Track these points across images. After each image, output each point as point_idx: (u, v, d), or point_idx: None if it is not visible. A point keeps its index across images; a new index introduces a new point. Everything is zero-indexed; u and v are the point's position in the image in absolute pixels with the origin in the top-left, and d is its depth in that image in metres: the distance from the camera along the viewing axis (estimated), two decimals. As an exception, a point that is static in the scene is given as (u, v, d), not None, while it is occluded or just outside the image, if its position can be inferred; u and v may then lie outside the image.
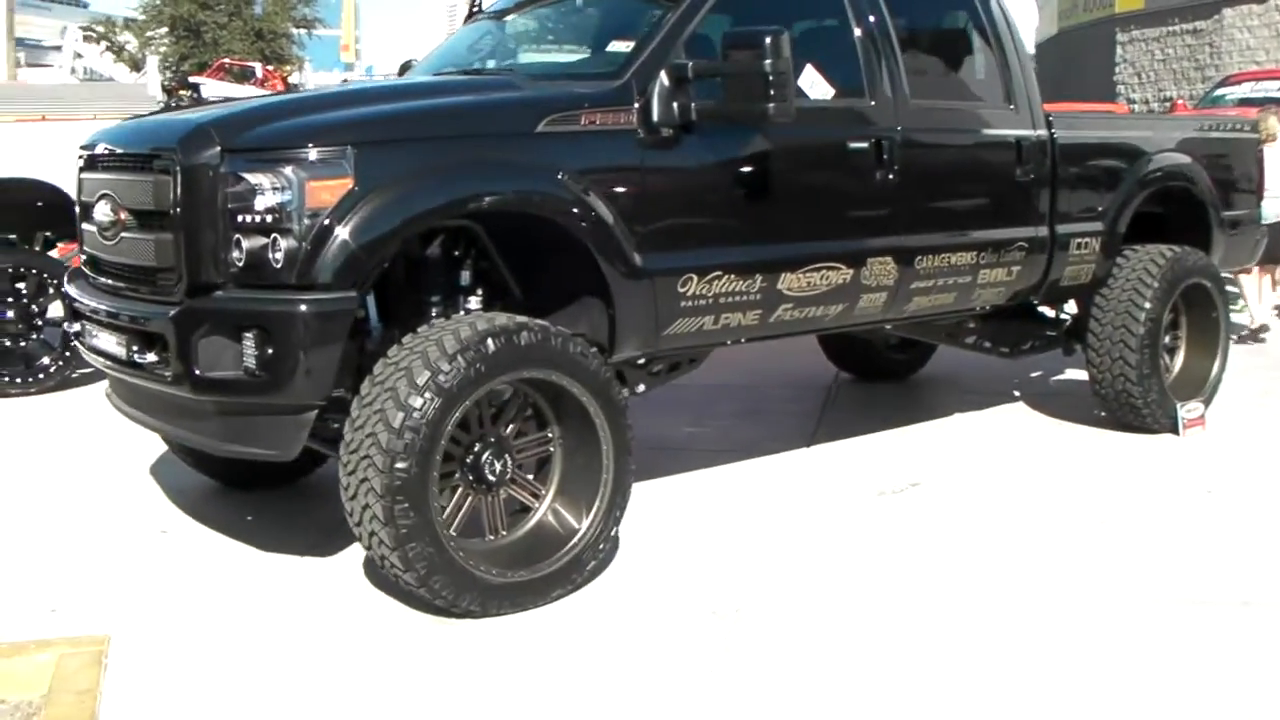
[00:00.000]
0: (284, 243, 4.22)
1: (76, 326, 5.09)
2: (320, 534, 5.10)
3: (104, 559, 5.10)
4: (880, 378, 8.25)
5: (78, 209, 5.10)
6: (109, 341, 4.72)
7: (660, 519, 5.44)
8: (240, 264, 4.27)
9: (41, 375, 8.04)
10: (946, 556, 4.98)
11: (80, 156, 5.13)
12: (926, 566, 4.88)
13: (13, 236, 8.56)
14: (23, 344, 8.10)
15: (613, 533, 4.73)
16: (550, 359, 4.46)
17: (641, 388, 5.41)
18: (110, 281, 4.83)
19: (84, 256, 5.13)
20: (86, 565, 5.04)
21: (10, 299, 8.05)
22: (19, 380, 8.06)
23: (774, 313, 5.39)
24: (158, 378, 4.46)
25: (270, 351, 4.21)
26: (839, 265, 5.50)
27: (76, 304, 5.00)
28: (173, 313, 4.35)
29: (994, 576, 4.77)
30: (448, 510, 4.47)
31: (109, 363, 4.78)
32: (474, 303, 4.82)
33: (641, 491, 5.58)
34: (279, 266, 4.23)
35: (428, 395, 4.16)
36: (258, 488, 5.82)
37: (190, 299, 4.34)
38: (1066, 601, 4.53)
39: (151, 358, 4.46)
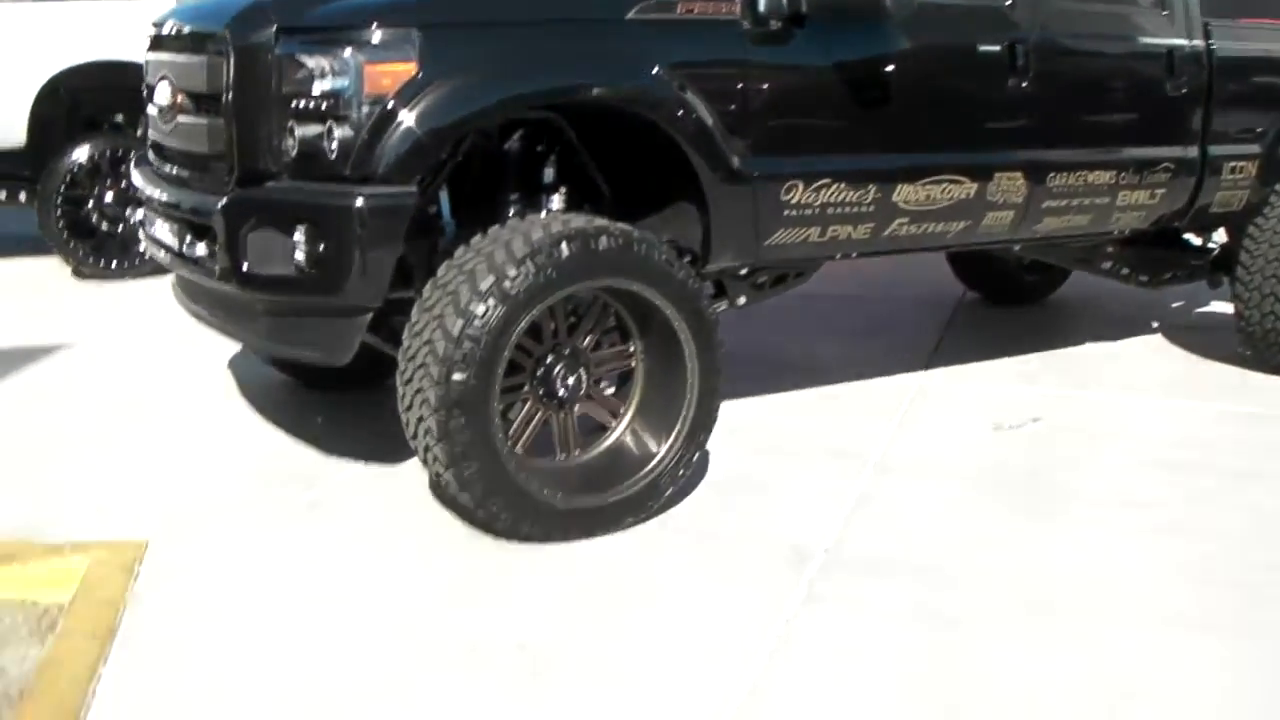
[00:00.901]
0: (340, 131, 3.88)
1: (139, 214, 4.82)
2: (390, 442, 4.77)
3: (162, 458, 4.88)
4: (1010, 300, 7.68)
5: (144, 91, 4.80)
6: (165, 231, 4.45)
7: (755, 442, 5.05)
8: (294, 153, 3.96)
9: (138, 261, 7.88)
10: (1055, 506, 4.52)
11: (149, 36, 4.83)
12: (1031, 516, 4.43)
13: (119, 119, 8.38)
14: (120, 228, 7.95)
15: (694, 458, 4.35)
16: (631, 267, 4.07)
17: (743, 300, 5.04)
18: (169, 169, 4.55)
19: (149, 141, 4.84)
20: (142, 463, 4.82)
21: (110, 182, 7.91)
22: (115, 264, 7.93)
23: (888, 227, 4.94)
24: (207, 272, 4.17)
25: (322, 248, 3.89)
26: (962, 179, 5.02)
27: (138, 191, 4.73)
28: (221, 203, 4.04)
29: (1096, 536, 4.31)
30: (514, 426, 4.14)
31: (166, 254, 4.50)
32: (556, 202, 4.44)
33: (742, 409, 5.28)
34: (334, 157, 3.90)
35: (491, 302, 3.81)
36: (335, 389, 5.53)
37: (241, 189, 4.03)
38: (1173, 571, 4.07)
39: (201, 250, 4.17)
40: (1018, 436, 5.22)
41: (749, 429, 5.19)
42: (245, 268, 4.01)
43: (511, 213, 4.41)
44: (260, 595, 3.77)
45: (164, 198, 4.42)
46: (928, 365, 6.25)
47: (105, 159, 7.93)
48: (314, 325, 4.09)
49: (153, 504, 4.42)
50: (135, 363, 6.13)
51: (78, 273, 8.03)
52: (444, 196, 4.38)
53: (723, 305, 4.96)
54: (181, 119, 4.37)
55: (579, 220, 4.02)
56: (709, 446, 4.50)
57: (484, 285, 3.81)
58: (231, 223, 4.00)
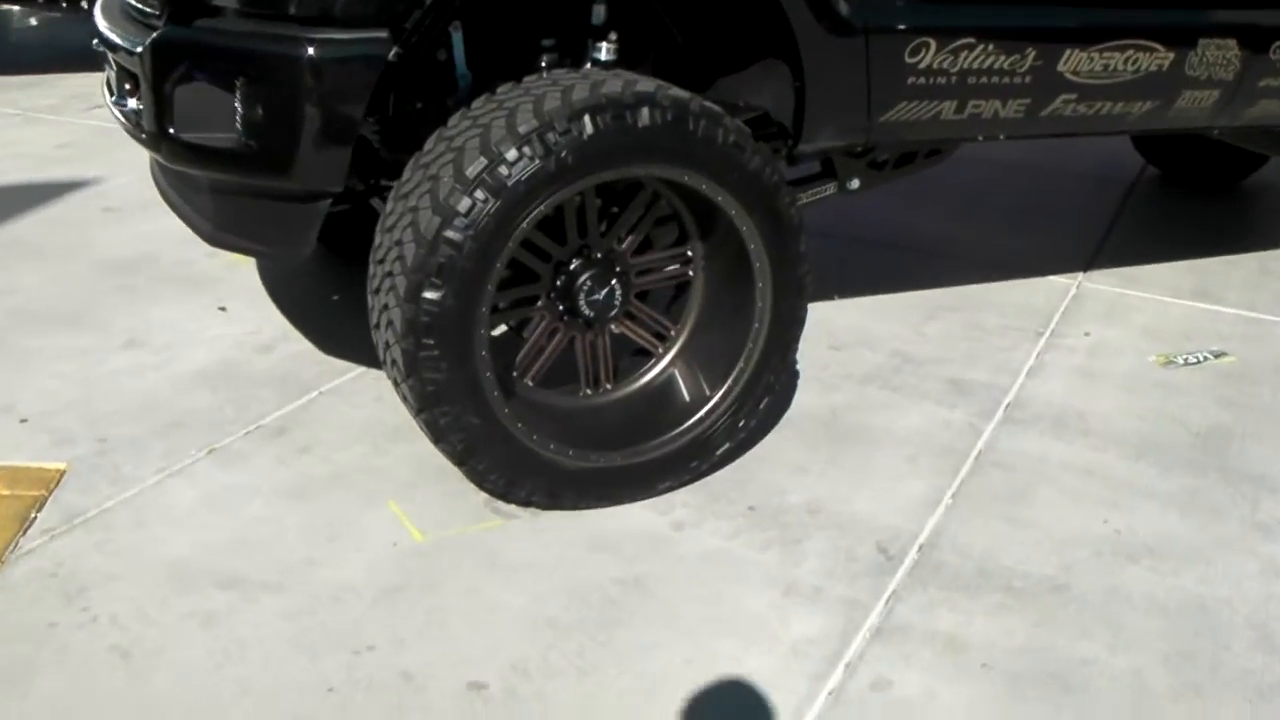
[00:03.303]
0: (287, -49, 2.84)
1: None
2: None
3: (129, 347, 4.04)
4: (1199, 181, 6.29)
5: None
6: (112, 77, 3.47)
7: (856, 366, 4.02)
8: None
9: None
10: (1235, 496, 3.40)
11: None
12: (1199, 512, 3.33)
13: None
14: None
15: (761, 405, 3.31)
16: (682, 151, 2.98)
17: (856, 183, 3.92)
18: None
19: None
20: (102, 354, 3.99)
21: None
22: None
23: (1049, 104, 3.77)
24: (137, 132, 3.20)
25: (260, 112, 2.88)
26: (1154, 45, 3.79)
27: (98, 28, 3.74)
28: (145, 42, 3.04)
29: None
30: (522, 352, 3.15)
31: (109, 105, 3.53)
32: (605, 52, 3.34)
33: (847, 316, 4.29)
34: None
35: (479, 195, 2.77)
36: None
37: (171, 26, 3.02)
38: None
39: (133, 104, 3.19)
40: (1192, 377, 4.07)
41: (851, 345, 4.15)
42: (171, 130, 3.02)
43: (544, 64, 3.35)
44: (159, 567, 2.91)
45: (110, 34, 3.42)
46: (1089, 264, 5.06)
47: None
48: (260, 212, 3.10)
49: (93, 413, 3.59)
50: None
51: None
52: (458, 40, 3.31)
53: (828, 188, 3.89)
54: (124, -76, 3.37)
55: (613, 83, 2.92)
56: (799, 364, 3.62)
57: (472, 170, 2.78)
58: (156, 69, 3.01)
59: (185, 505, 3.16)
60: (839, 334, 4.23)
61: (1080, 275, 4.92)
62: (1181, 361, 4.18)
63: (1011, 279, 4.82)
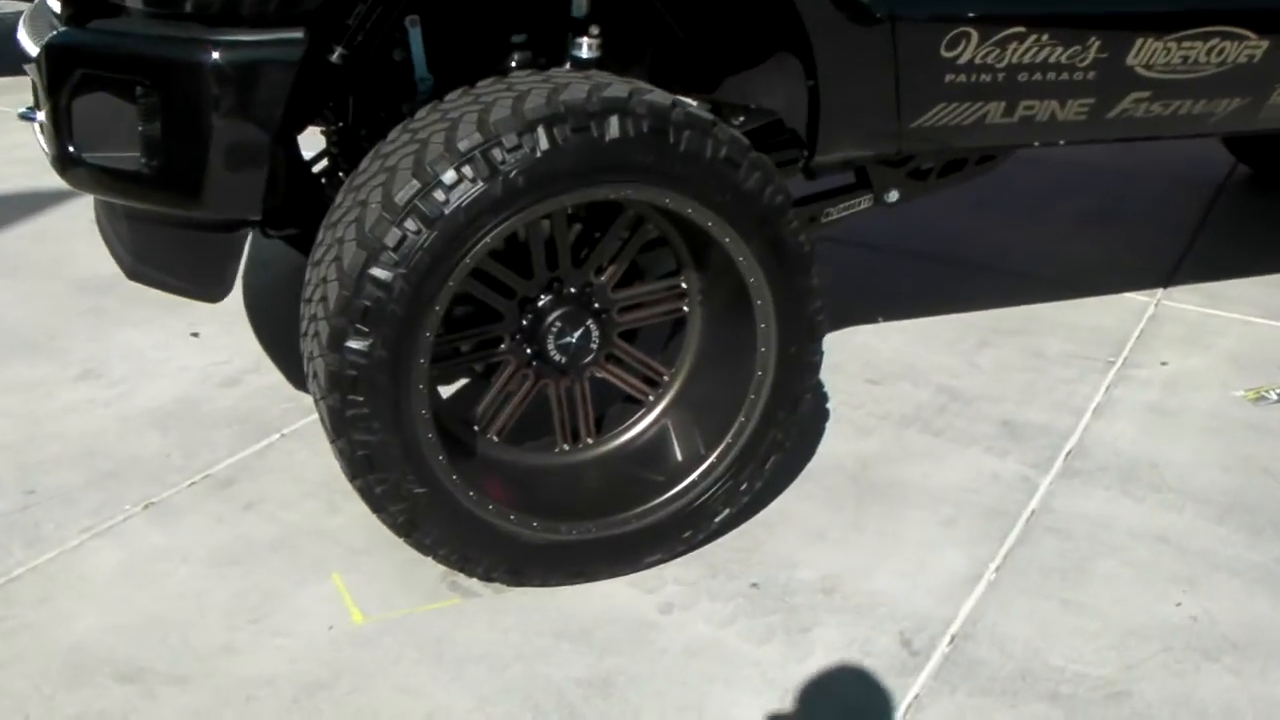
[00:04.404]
0: (187, -62, 2.41)
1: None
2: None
3: (83, 378, 3.66)
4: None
5: None
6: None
7: (893, 404, 3.52)
8: None
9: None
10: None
11: None
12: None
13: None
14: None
15: (768, 465, 2.82)
16: (663, 168, 2.49)
17: (894, 195, 3.41)
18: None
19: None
20: (53, 385, 3.63)
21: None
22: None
23: (1116, 104, 3.25)
24: (46, 152, 2.78)
25: (160, 127, 2.44)
26: (1243, 32, 3.24)
27: (18, 40, 3.33)
28: (40, 45, 2.62)
29: None
30: (484, 404, 2.70)
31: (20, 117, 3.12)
32: (586, 48, 2.87)
33: (889, 342, 3.85)
34: None
35: (410, 226, 2.31)
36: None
37: (70, 27, 2.60)
38: None
39: (41, 117, 2.77)
40: (1272, 414, 3.53)
41: (892, 378, 3.65)
42: (72, 150, 2.60)
43: (514, 65, 2.90)
44: (56, 654, 2.52)
45: (25, 44, 3.00)
46: (1170, 279, 4.49)
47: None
48: (171, 242, 2.67)
49: (27, 459, 3.23)
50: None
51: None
52: (415, 37, 2.85)
53: (862, 202, 3.40)
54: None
55: (576, 88, 2.44)
56: (829, 403, 3.19)
57: (401, 196, 2.32)
58: (50, 78, 2.59)
59: (104, 574, 2.75)
60: (879, 365, 3.74)
61: (1159, 292, 4.37)
62: (1275, 397, 3.62)
63: (1079, 297, 4.28)
